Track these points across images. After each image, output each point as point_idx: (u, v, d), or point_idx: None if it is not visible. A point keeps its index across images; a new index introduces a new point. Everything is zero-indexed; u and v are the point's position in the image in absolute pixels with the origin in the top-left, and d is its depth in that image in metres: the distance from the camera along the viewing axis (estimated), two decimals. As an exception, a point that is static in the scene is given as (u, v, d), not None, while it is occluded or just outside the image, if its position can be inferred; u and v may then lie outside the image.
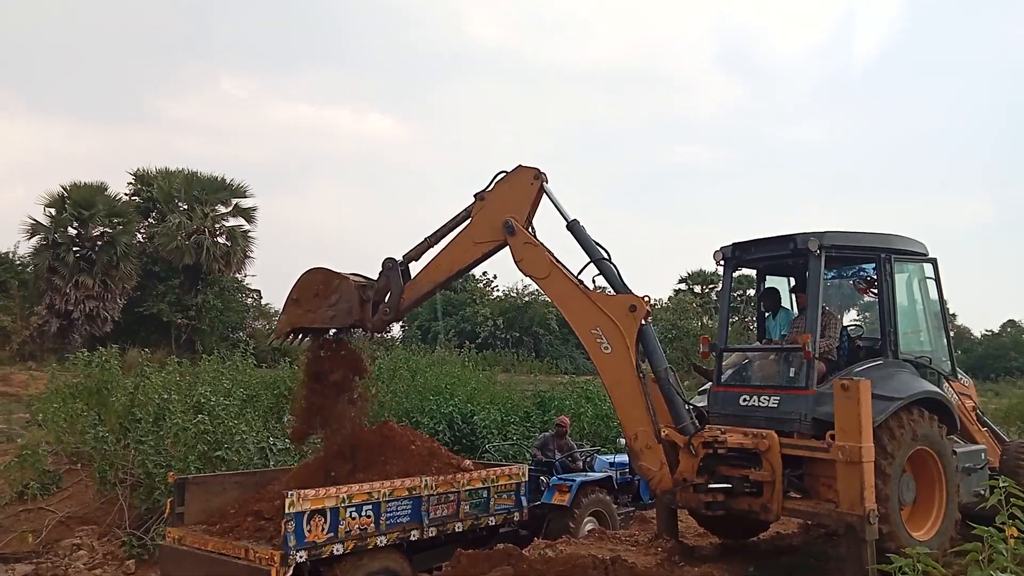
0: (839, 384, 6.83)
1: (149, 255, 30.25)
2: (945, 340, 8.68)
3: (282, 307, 7.84)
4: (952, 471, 7.41)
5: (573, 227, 7.31)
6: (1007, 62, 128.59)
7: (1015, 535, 4.08)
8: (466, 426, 14.90)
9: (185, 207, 30.12)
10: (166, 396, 12.14)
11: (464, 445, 14.30)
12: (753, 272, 9.39)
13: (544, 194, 7.32)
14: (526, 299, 49.12)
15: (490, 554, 6.27)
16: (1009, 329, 65.35)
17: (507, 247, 7.27)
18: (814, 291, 7.57)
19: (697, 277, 53.21)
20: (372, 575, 7.25)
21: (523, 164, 7.17)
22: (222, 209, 31.02)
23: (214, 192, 30.50)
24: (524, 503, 8.94)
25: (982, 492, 7.85)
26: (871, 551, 6.46)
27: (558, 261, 7.24)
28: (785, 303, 8.98)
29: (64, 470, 12.24)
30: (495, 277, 55.43)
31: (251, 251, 31.43)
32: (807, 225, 7.76)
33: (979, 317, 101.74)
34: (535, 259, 7.14)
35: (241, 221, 31.26)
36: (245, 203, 31.16)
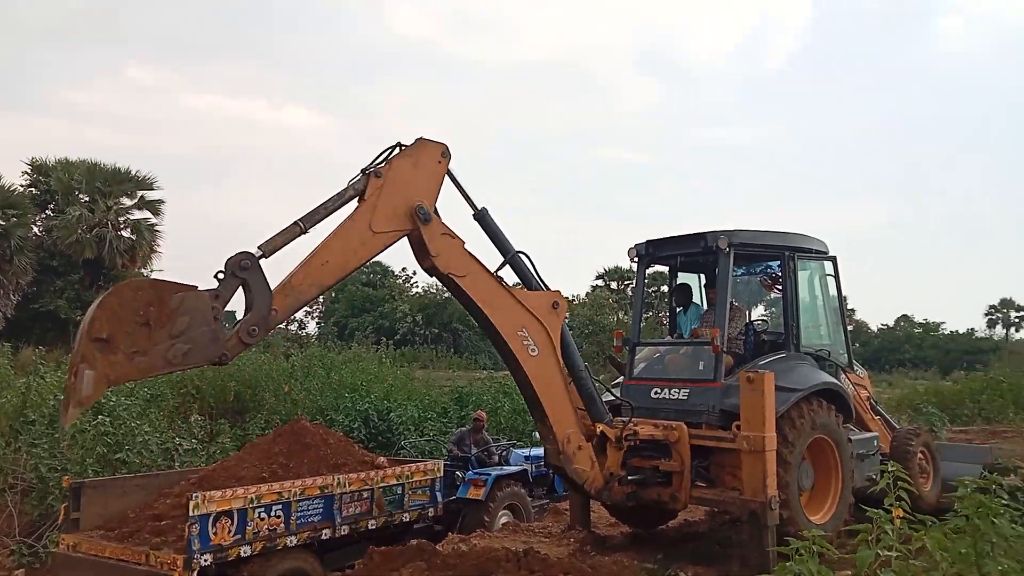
0: (745, 376, 7.08)
1: (46, 249, 28.67)
2: (843, 334, 9.11)
3: (76, 353, 4.84)
4: (847, 458, 7.79)
5: (482, 217, 6.53)
6: (922, 75, 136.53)
7: (901, 516, 4.31)
8: (382, 423, 14.75)
9: (86, 199, 28.66)
10: (62, 397, 11.51)
11: (380, 443, 14.15)
12: (666, 269, 9.62)
13: (448, 177, 6.30)
14: (446, 295, 48.92)
15: (403, 550, 6.22)
16: (903, 323, 69.39)
17: (406, 238, 6.06)
18: (723, 287, 7.82)
19: (613, 274, 54.26)
20: (280, 576, 7.09)
21: (425, 137, 5.98)
22: (127, 202, 29.65)
23: (118, 183, 29.10)
24: (439, 499, 8.90)
25: (874, 477, 8.29)
26: (772, 535, 6.72)
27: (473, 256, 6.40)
28: (696, 299, 9.25)
29: (-53, 477, 11.46)
30: (415, 273, 55.02)
31: (158, 245, 30.19)
32: (722, 224, 7.94)
33: (876, 312, 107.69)
34: (455, 254, 6.12)
35: (147, 214, 29.97)
36: (151, 195, 29.86)
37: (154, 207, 29.94)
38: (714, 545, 8.21)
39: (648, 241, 8.57)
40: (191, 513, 6.27)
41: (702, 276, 9.31)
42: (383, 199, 5.79)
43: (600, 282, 54.58)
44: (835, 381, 8.14)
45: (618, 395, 8.29)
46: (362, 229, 5.74)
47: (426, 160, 6.04)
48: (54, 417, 10.95)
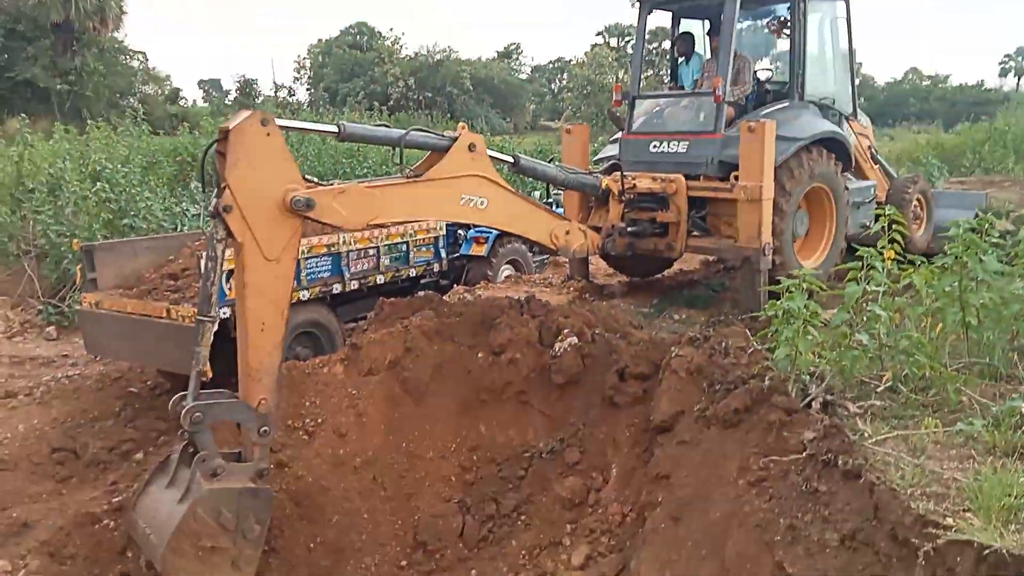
0: (746, 126, 6.99)
1: (10, 12, 27.02)
2: (850, 80, 8.86)
3: None
4: (843, 206, 7.92)
5: (348, 132, 5.22)
6: None
7: (892, 257, 4.47)
8: (382, 187, 14.82)
9: (45, -44, 26.49)
10: (60, 165, 11.48)
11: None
12: (669, 16, 9.11)
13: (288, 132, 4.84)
14: (437, 57, 46.94)
15: (412, 301, 6.49)
16: (911, 76, 67.39)
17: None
18: (728, 33, 7.47)
19: (614, 30, 51.75)
20: (298, 326, 7.50)
21: (231, 123, 4.30)
22: (89, -42, 27.44)
23: (77, -63, 26.75)
24: (443, 255, 9.21)
25: (867, 224, 8.50)
26: (764, 279, 7.03)
27: (366, 180, 5.25)
28: (700, 48, 8.86)
29: (-43, 244, 11.76)
30: (403, 34, 52.29)
31: (125, 6, 28.43)
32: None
33: (884, 66, 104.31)
34: (358, 206, 4.88)
35: (112, -28, 27.89)
36: (115, -49, 27.60)
37: (119, -36, 27.79)
38: (709, 291, 8.61)
39: (651, -15, 8.05)
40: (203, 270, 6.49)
41: (706, 24, 8.85)
42: (253, 225, 4.29)
43: (600, 39, 52.18)
44: (837, 130, 8.04)
45: (607, 154, 8.23)
46: (263, 269, 4.36)
47: (254, 147, 4.32)
48: (53, 185, 10.99)
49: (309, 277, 7.53)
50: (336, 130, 5.05)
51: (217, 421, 4.24)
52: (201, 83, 53.54)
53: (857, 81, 9.26)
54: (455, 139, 5.38)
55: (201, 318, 4.16)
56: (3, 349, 9.11)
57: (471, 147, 5.45)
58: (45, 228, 10.15)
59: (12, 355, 8.88)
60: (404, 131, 5.32)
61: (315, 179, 4.67)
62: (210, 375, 4.45)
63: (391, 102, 40.49)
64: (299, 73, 52.74)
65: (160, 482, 4.24)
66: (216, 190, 4.24)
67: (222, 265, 4.25)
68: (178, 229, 10.64)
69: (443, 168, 5.35)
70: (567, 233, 6.53)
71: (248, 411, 4.19)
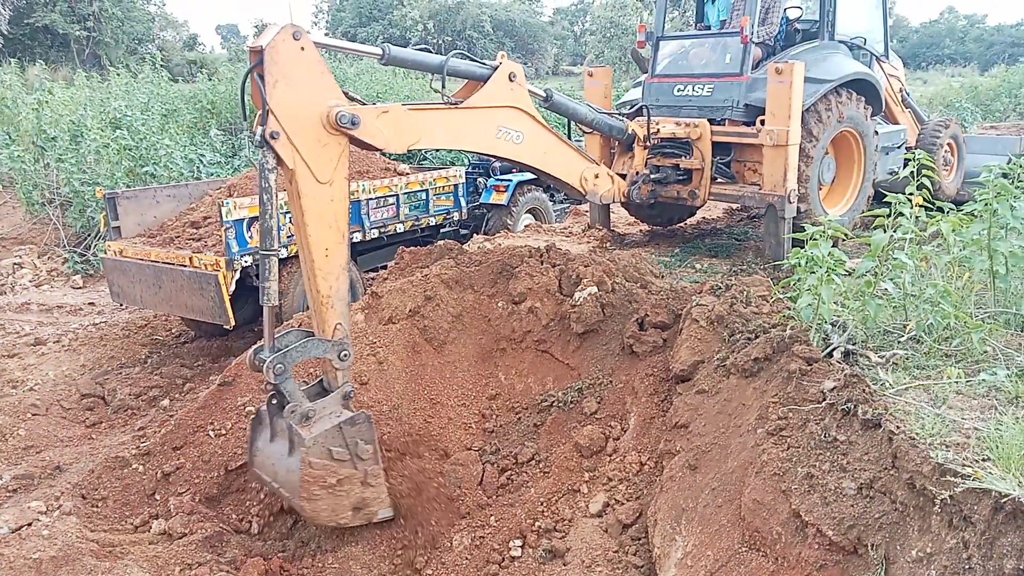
0: (773, 68, 6.79)
1: (26, -43, 26.78)
2: (882, 18, 8.56)
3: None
4: (871, 151, 7.72)
5: (391, 56, 4.95)
6: None
7: (920, 204, 4.34)
8: (402, 134, 14.65)
9: None
10: (81, 112, 11.50)
11: (400, 155, 14.18)
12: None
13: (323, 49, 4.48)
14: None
15: (431, 250, 6.49)
16: (947, 16, 65.05)
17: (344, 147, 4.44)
18: (755, -31, 7.19)
19: (638, -32, 50.13)
20: (318, 275, 7.54)
21: (260, 43, 4.06)
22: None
23: None
24: (463, 204, 9.16)
25: (896, 170, 8.30)
26: (788, 227, 6.92)
27: (407, 103, 4.99)
28: (727, -14, 8.56)
29: (-18, 193, 11.90)
30: (422, -26, 51.13)
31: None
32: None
33: (919, 7, 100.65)
34: (401, 128, 4.71)
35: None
36: None
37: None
38: (732, 239, 8.49)
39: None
40: (225, 219, 6.51)
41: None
42: (302, 149, 4.17)
43: (623, -22, 50.62)
44: (868, 71, 7.78)
45: (629, 98, 8.05)
46: (319, 194, 4.27)
47: (290, 64, 4.12)
48: (74, 132, 11.01)
49: (329, 225, 7.54)
50: (379, 52, 4.87)
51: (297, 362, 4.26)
52: (218, 28, 53.10)
53: (890, 21, 8.93)
54: (496, 67, 5.35)
55: (266, 252, 4.11)
56: (31, 297, 9.28)
57: (511, 76, 5.43)
58: (68, 176, 10.21)
59: (40, 303, 9.04)
60: (445, 57, 5.24)
61: (358, 97, 4.56)
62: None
63: (409, 46, 39.90)
64: (316, 18, 52.08)
65: (263, 436, 4.33)
66: (260, 115, 4.10)
67: (276, 196, 4.16)
68: (197, 177, 10.66)
69: (483, 96, 5.29)
70: (596, 177, 6.45)
71: (323, 344, 4.23)
